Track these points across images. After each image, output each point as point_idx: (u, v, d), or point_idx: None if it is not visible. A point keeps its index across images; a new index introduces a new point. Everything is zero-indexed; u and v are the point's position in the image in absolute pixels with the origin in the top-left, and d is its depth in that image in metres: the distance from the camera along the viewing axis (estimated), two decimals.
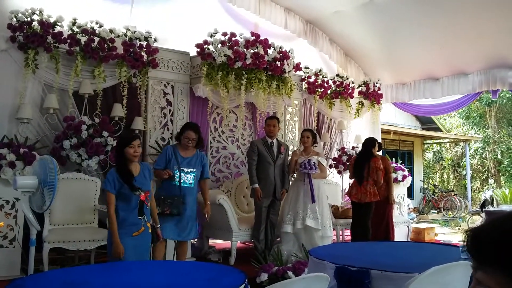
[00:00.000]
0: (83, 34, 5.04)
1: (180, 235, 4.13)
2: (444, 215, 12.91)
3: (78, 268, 3.17)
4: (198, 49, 5.64)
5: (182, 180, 4.09)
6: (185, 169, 4.11)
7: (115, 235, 3.22)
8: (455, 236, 8.28)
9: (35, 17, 4.82)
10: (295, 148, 6.51)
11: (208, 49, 5.64)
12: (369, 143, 5.70)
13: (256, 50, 5.84)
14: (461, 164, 17.23)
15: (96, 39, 5.08)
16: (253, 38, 5.88)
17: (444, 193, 13.81)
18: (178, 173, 4.08)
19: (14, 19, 4.72)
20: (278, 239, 5.37)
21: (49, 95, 4.84)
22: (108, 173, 3.37)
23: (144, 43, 5.40)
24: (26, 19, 4.75)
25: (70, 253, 4.49)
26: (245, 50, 5.76)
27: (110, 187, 3.27)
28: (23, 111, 4.62)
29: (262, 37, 5.94)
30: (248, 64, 5.75)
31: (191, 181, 4.15)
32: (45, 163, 3.85)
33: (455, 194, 13.86)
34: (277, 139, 5.45)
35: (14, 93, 4.72)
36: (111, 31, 5.22)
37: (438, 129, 15.43)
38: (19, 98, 4.72)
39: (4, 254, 4.11)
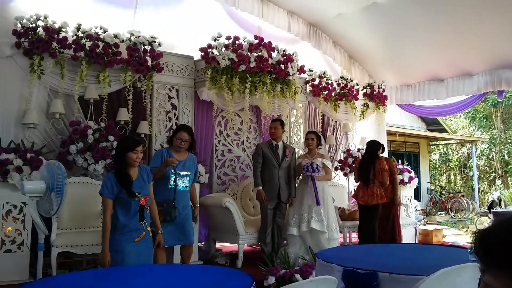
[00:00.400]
0: (88, 40, 5.08)
1: (180, 239, 4.06)
2: (451, 217, 12.85)
3: (86, 272, 3.18)
4: (202, 53, 5.68)
5: (178, 184, 4.00)
6: (181, 173, 4.02)
7: (105, 242, 3.15)
8: (463, 238, 8.24)
9: (40, 23, 4.86)
10: (301, 151, 6.52)
11: (212, 53, 5.67)
12: (373, 145, 5.69)
13: (260, 53, 5.87)
14: (467, 165, 17.16)
15: (101, 44, 5.12)
16: (256, 41, 5.91)
17: (451, 195, 13.76)
18: (174, 176, 3.99)
19: (19, 25, 4.77)
20: (284, 242, 5.37)
21: (55, 100, 4.90)
22: (106, 177, 3.29)
23: (148, 47, 5.44)
24: (31, 25, 4.80)
25: (78, 257, 4.51)
26: (249, 53, 5.79)
27: (107, 192, 3.18)
28: (29, 116, 4.68)
29: (265, 40, 5.96)
30: (252, 67, 5.78)
31: (187, 184, 4.07)
32: (52, 167, 3.89)
33: (463, 196, 13.80)
34: (283, 142, 5.46)
35: (20, 99, 4.77)
36: (115, 36, 5.27)
37: (444, 130, 15.38)
38: (25, 104, 4.77)
39: (13, 258, 4.14)
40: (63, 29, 4.97)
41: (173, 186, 3.97)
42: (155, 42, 5.48)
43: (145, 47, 5.44)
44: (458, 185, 17.36)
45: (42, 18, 4.88)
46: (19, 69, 4.81)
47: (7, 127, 4.66)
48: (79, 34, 5.08)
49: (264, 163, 5.25)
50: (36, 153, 4.41)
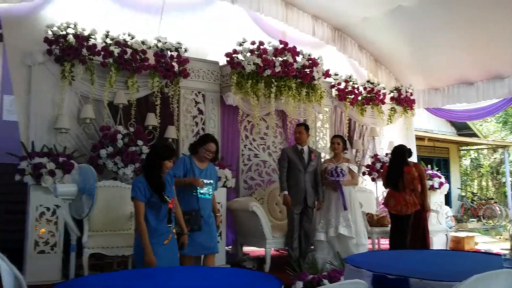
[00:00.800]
0: (116, 46, 5.23)
1: (206, 248, 4.03)
2: (484, 224, 12.51)
3: (117, 273, 3.26)
4: (228, 58, 5.77)
5: (202, 192, 4.00)
6: (205, 181, 4.02)
7: (147, 246, 3.19)
8: (496, 245, 8.03)
9: (70, 30, 5.03)
10: (328, 156, 6.51)
11: (237, 58, 5.75)
12: (400, 150, 5.59)
13: (285, 58, 5.92)
14: (500, 171, 16.69)
15: (129, 50, 5.27)
16: (281, 46, 5.98)
17: (484, 201, 13.41)
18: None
19: (50, 33, 4.95)
20: (312, 247, 5.36)
21: (86, 106, 5.07)
22: (136, 180, 3.34)
23: (175, 53, 5.56)
24: (61, 33, 4.97)
25: (109, 259, 4.64)
26: (274, 58, 5.85)
27: (140, 195, 3.24)
28: (61, 122, 4.86)
29: (290, 45, 6.02)
30: (277, 72, 5.84)
31: (210, 193, 4.08)
32: (83, 171, 4.04)
33: (495, 202, 13.42)
34: (308, 146, 5.47)
35: (52, 104, 4.96)
36: (143, 42, 5.40)
37: (474, 135, 15.03)
38: (57, 109, 4.95)
39: (46, 259, 4.30)
40: (92, 36, 5.13)
41: (197, 195, 3.97)
42: (181, 48, 5.61)
43: (172, 53, 5.56)
44: (490, 191, 16.90)
45: (72, 25, 5.05)
46: (51, 76, 4.99)
47: (40, 131, 4.84)
48: (108, 41, 5.24)
49: (290, 167, 5.27)
50: (68, 157, 4.57)
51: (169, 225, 3.40)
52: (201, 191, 3.99)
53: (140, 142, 5.01)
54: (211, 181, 4.10)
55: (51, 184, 4.28)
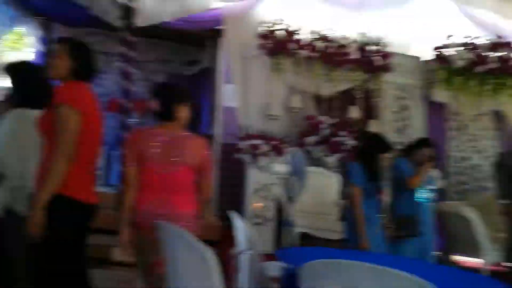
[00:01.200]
0: (321, 41, 5.61)
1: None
2: None
3: (331, 249, 3.40)
4: (437, 53, 5.70)
5: (423, 197, 3.99)
6: (427, 187, 4.03)
7: (363, 232, 3.37)
8: None
9: (278, 26, 5.57)
10: None
11: (446, 52, 5.61)
12: None
13: (502, 54, 5.56)
14: None
15: (332, 45, 5.60)
16: (499, 40, 5.64)
17: None
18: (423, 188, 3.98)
19: (262, 29, 5.56)
20: None
21: (294, 96, 5.59)
22: (354, 167, 3.57)
23: (376, 48, 5.69)
24: (271, 28, 5.54)
25: (313, 242, 4.92)
26: (488, 53, 5.53)
27: (359, 182, 3.47)
28: (273, 109, 5.49)
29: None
30: (492, 68, 5.49)
31: (430, 198, 4.05)
32: (295, 155, 4.45)
33: None
34: None
35: (265, 93, 5.59)
36: (345, 37, 5.68)
37: None
38: (269, 98, 5.56)
39: (260, 231, 4.75)
40: (299, 32, 5.59)
41: (417, 199, 3.96)
42: (383, 42, 5.72)
43: (374, 47, 5.70)
44: None
45: (280, 22, 5.57)
46: (263, 68, 5.61)
47: (255, 117, 5.50)
48: (313, 36, 5.64)
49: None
50: (279, 141, 5.05)
51: (379, 215, 3.53)
52: (423, 195, 3.98)
53: (342, 133, 5.26)
54: (429, 186, 4.07)
55: (267, 164, 4.81)
